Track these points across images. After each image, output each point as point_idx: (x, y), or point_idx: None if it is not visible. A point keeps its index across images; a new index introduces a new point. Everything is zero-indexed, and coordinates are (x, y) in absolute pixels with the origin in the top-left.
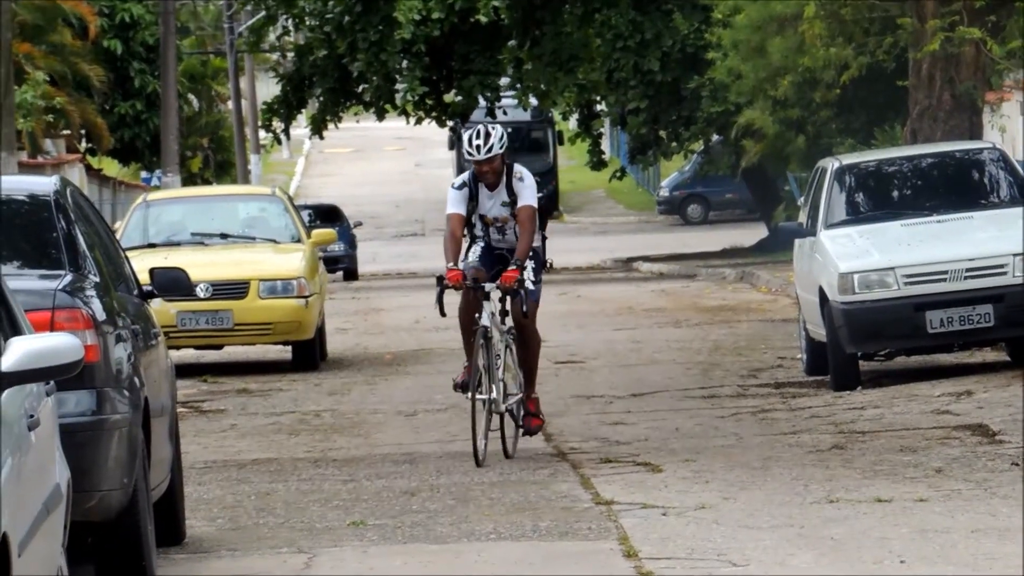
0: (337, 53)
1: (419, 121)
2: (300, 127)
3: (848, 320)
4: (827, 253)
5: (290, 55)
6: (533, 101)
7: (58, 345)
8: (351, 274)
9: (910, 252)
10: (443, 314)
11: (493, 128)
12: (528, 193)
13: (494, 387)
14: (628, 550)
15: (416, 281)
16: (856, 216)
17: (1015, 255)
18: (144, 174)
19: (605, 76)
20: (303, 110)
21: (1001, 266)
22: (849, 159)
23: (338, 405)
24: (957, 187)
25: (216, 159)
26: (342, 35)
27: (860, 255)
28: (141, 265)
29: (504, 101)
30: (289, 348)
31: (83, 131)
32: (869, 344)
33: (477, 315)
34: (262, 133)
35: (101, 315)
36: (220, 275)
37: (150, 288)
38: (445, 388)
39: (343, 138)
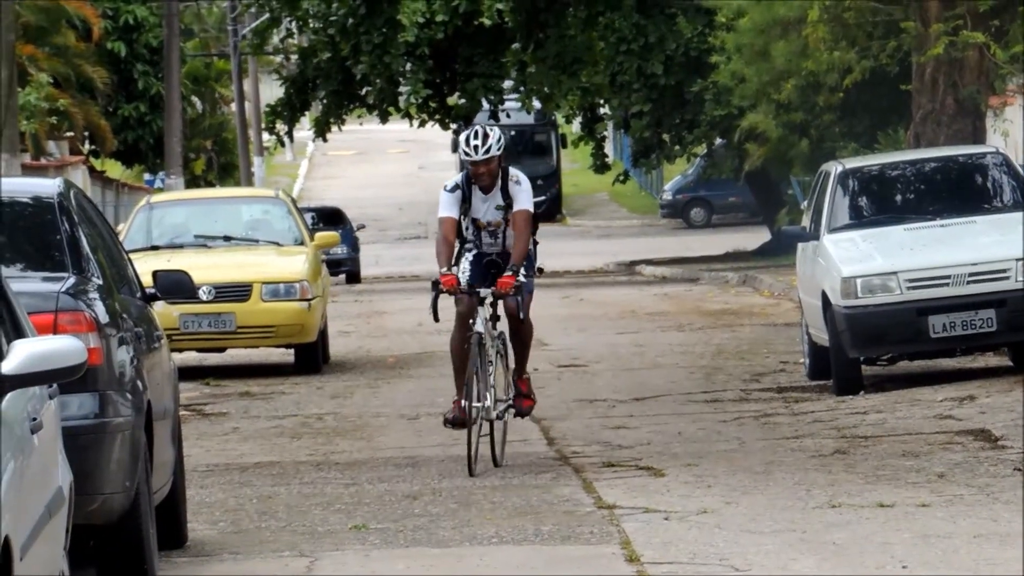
0: (341, 55)
1: (422, 124)
2: (303, 129)
3: (851, 324)
4: (830, 257)
5: (294, 57)
6: (536, 104)
7: (61, 348)
8: (354, 277)
9: (913, 256)
10: (437, 319)
11: (491, 129)
12: (524, 197)
13: (488, 394)
14: (630, 554)
15: (419, 284)
16: (859, 220)
17: (1018, 260)
18: (147, 176)
19: (608, 79)
20: (306, 112)
21: (1004, 271)
22: (852, 163)
23: (340, 408)
24: (960, 191)
25: (219, 161)
26: (346, 38)
27: (863, 259)
28: (144, 267)
29: (507, 104)
30: (292, 351)
31: (86, 133)
32: (872, 348)
33: (472, 321)
34: (265, 135)
35: (104, 318)
36: (223, 278)
37: (153, 290)
38: (448, 391)
39: (346, 141)
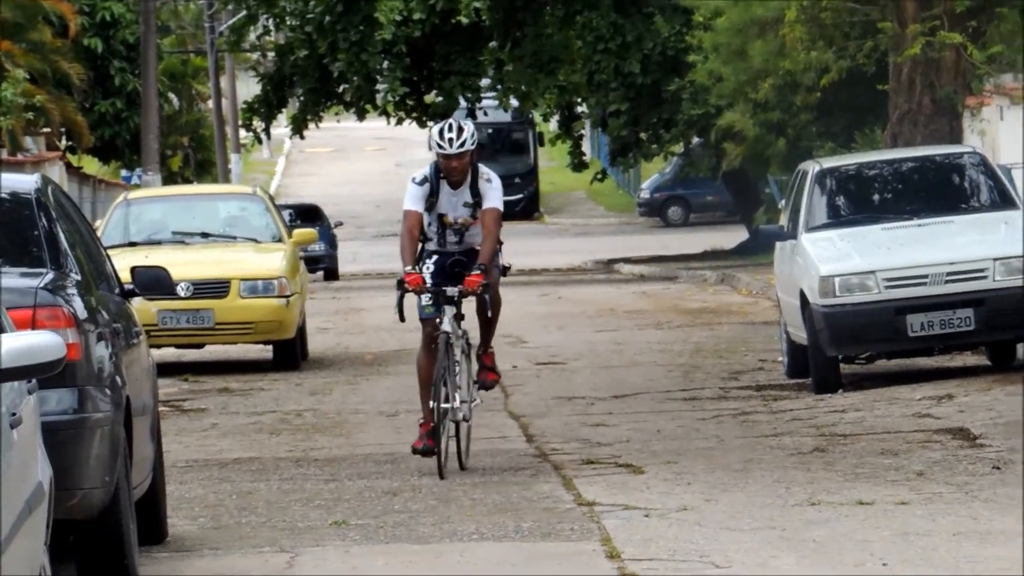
0: (318, 53)
1: (399, 122)
2: (281, 127)
3: (829, 323)
4: (808, 256)
5: (271, 55)
6: (514, 102)
7: (40, 343)
8: (331, 274)
9: (891, 256)
10: (403, 319)
11: (465, 123)
12: (495, 195)
13: (456, 395)
14: (611, 551)
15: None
16: (837, 219)
17: (995, 259)
18: (124, 172)
19: (586, 78)
20: (284, 110)
21: (982, 270)
22: (830, 162)
23: (319, 405)
24: (938, 191)
25: (196, 158)
26: (323, 35)
27: (841, 258)
28: (122, 263)
29: (485, 102)
30: (270, 347)
31: (63, 129)
32: (850, 347)
33: (433, 342)
34: (242, 132)
35: (82, 313)
36: (201, 274)
37: (131, 287)
38: None
39: (323, 138)
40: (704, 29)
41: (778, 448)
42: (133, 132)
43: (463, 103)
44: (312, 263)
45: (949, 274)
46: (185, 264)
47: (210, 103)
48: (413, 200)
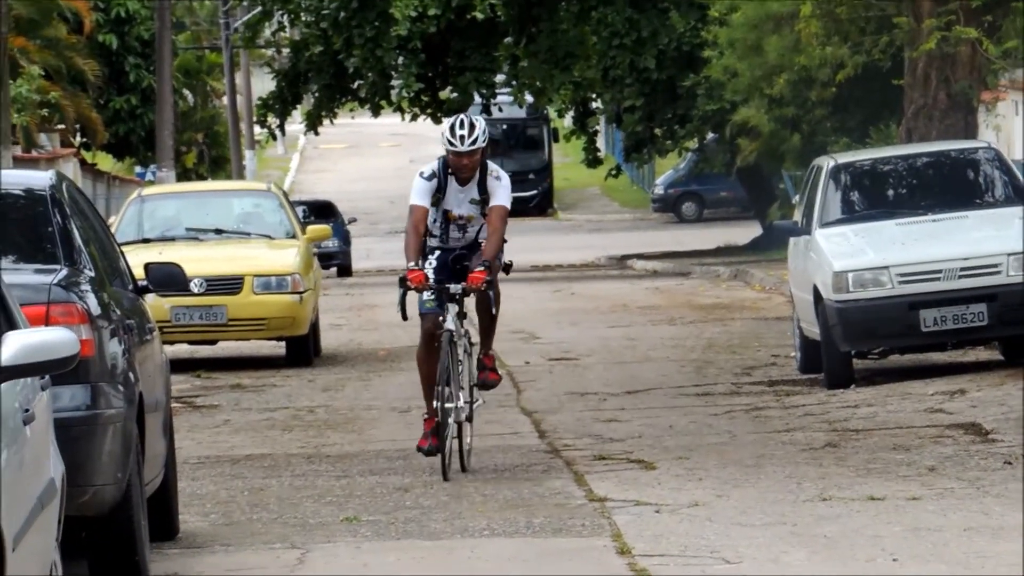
0: (333, 49)
1: (414, 118)
2: (295, 123)
3: (842, 318)
4: (822, 252)
5: (286, 51)
6: (529, 98)
7: (53, 339)
8: (345, 270)
9: (904, 251)
10: (405, 317)
11: (477, 120)
12: (503, 193)
13: (460, 395)
14: (621, 547)
15: None
16: (851, 215)
17: (1009, 255)
18: (138, 169)
19: (601, 74)
20: (298, 106)
21: (995, 265)
22: (844, 158)
23: (332, 401)
24: (952, 186)
25: (211, 154)
26: (338, 31)
27: (855, 254)
28: (136, 260)
29: (500, 98)
30: (283, 344)
31: (78, 126)
32: (863, 342)
33: (437, 338)
34: (257, 129)
35: (96, 310)
36: (214, 270)
37: (145, 283)
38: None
39: (338, 134)
40: (719, 24)
41: (790, 444)
42: (148, 128)
43: (478, 99)
44: (326, 259)
45: (963, 269)
46: (199, 260)
47: (225, 99)
48: (420, 195)
